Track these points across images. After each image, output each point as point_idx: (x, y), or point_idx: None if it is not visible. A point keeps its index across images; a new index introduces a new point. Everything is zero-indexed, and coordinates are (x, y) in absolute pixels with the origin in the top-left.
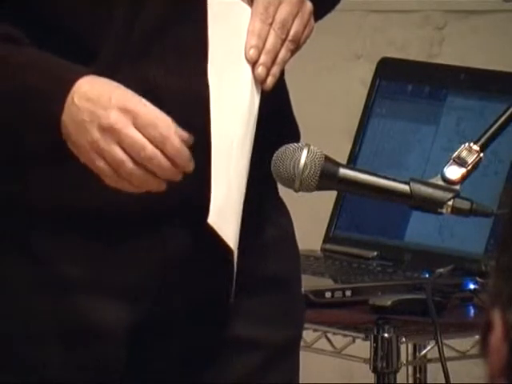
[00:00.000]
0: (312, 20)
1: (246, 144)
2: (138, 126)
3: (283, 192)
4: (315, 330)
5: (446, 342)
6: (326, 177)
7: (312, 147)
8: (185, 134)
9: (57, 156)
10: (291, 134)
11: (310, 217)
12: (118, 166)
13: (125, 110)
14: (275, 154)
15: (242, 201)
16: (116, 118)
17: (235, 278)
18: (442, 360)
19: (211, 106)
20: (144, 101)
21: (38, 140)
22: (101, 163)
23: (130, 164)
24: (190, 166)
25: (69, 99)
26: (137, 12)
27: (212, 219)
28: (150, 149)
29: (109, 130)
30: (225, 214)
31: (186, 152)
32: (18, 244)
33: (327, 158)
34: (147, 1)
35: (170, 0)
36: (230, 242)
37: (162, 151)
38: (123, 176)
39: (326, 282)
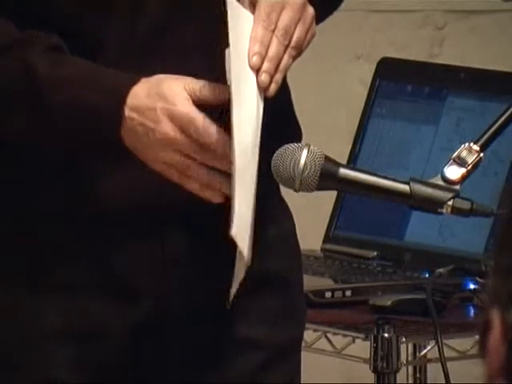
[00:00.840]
0: (314, 25)
1: (256, 153)
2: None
3: (283, 192)
4: (315, 330)
5: (446, 341)
6: (326, 177)
7: (312, 147)
8: None
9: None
10: (293, 134)
11: (310, 217)
12: (182, 170)
13: (172, 118)
14: (275, 154)
15: (254, 211)
16: (166, 129)
17: (235, 280)
18: (442, 360)
19: (233, 117)
20: (183, 94)
21: (94, 152)
22: (171, 172)
23: (190, 165)
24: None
25: (125, 115)
26: (138, 12)
27: (235, 231)
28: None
29: (165, 141)
30: (243, 226)
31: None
32: (19, 245)
33: (327, 158)
34: (148, 2)
35: (171, 1)
36: (246, 254)
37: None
38: (189, 177)
39: (326, 282)
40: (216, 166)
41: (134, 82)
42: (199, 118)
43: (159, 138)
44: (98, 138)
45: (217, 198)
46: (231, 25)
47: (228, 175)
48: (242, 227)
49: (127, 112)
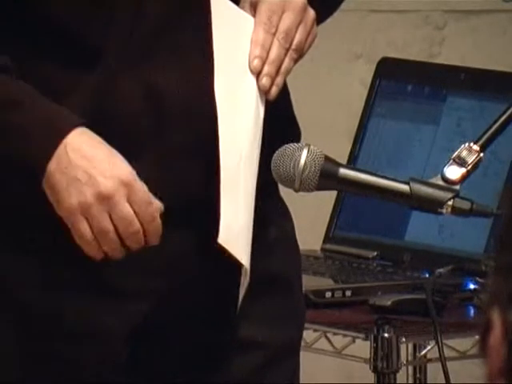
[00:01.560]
0: (315, 27)
1: (254, 157)
2: (131, 201)
3: (283, 192)
4: (315, 330)
5: (445, 342)
6: (326, 177)
7: (312, 147)
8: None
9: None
10: (293, 134)
11: (309, 217)
12: (102, 234)
13: (124, 183)
14: (275, 154)
15: (252, 215)
16: (115, 190)
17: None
18: (442, 360)
19: (219, 121)
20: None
21: (16, 177)
22: (84, 226)
23: (113, 235)
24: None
25: (60, 149)
26: (137, 14)
27: (222, 238)
28: (137, 226)
29: (105, 199)
30: (235, 232)
31: (159, 231)
32: (19, 244)
33: (327, 158)
34: (148, 3)
35: (171, 3)
36: (243, 260)
37: (144, 229)
38: (102, 244)
39: (326, 282)
40: (127, 239)
41: (75, 124)
42: (120, 194)
43: (79, 202)
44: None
45: (98, 256)
46: (216, 33)
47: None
48: (232, 234)
49: (67, 149)
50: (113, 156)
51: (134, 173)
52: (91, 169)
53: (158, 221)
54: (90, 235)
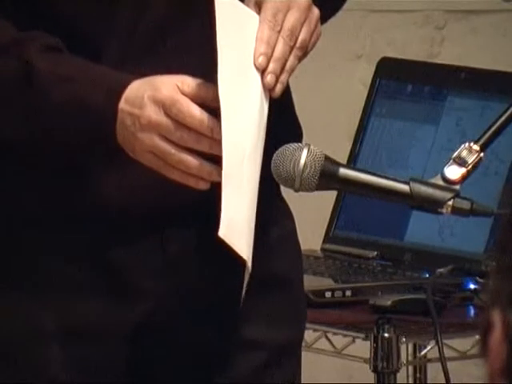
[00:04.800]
0: (319, 26)
1: (257, 153)
2: (168, 112)
3: (283, 192)
4: (315, 330)
5: (445, 342)
6: (326, 177)
7: (312, 147)
8: None
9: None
10: (294, 134)
11: (310, 217)
12: (165, 157)
13: (156, 101)
14: (275, 154)
15: (255, 210)
16: (150, 113)
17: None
18: (442, 360)
19: (222, 116)
20: (171, 82)
21: (92, 151)
22: (156, 161)
23: (173, 150)
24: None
25: (120, 108)
26: (140, 12)
27: (223, 232)
28: (186, 128)
29: (149, 126)
30: (236, 226)
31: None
32: (17, 244)
33: (327, 158)
34: (150, 1)
35: (175, 0)
36: (243, 254)
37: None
38: (173, 165)
39: (325, 282)
40: (202, 149)
41: (132, 79)
42: (182, 100)
43: (143, 124)
44: (96, 136)
45: (201, 185)
46: (220, 29)
47: (217, 161)
48: (233, 228)
49: (120, 105)
50: (149, 86)
51: (171, 88)
52: (130, 108)
53: (196, 112)
54: (163, 164)
